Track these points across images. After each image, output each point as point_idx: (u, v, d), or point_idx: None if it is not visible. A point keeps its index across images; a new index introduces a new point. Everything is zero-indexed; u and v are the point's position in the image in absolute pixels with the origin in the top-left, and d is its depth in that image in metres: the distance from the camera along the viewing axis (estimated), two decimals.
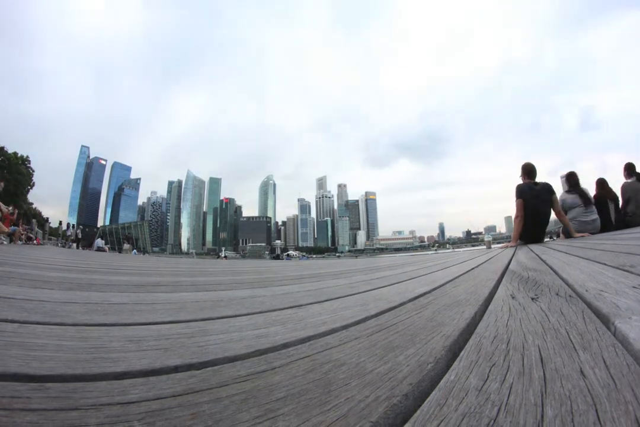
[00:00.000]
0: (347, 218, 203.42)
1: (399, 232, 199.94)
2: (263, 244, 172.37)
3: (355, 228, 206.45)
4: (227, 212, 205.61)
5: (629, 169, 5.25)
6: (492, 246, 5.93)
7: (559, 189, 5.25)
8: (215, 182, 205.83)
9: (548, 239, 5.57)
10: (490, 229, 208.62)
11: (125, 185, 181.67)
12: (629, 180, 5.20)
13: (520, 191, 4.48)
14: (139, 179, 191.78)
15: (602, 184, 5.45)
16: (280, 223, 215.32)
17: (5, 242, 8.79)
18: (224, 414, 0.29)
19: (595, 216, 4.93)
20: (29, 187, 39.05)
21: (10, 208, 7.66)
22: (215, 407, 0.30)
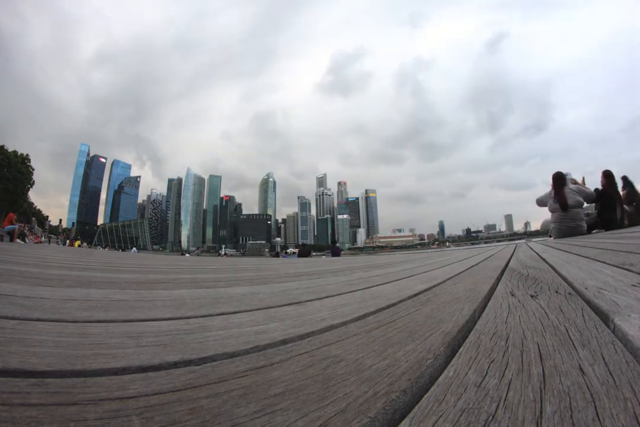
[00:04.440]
0: (347, 216, 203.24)
1: (399, 230, 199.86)
2: (263, 242, 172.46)
3: (355, 226, 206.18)
4: (227, 209, 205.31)
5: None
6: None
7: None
8: (215, 180, 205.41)
9: (549, 238, 5.53)
10: (491, 227, 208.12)
11: (125, 183, 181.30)
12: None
13: None
14: (139, 177, 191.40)
15: (607, 177, 5.03)
16: (280, 221, 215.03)
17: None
18: (222, 409, 0.29)
19: (575, 222, 4.59)
20: (28, 186, 38.94)
21: None
22: (214, 403, 0.30)
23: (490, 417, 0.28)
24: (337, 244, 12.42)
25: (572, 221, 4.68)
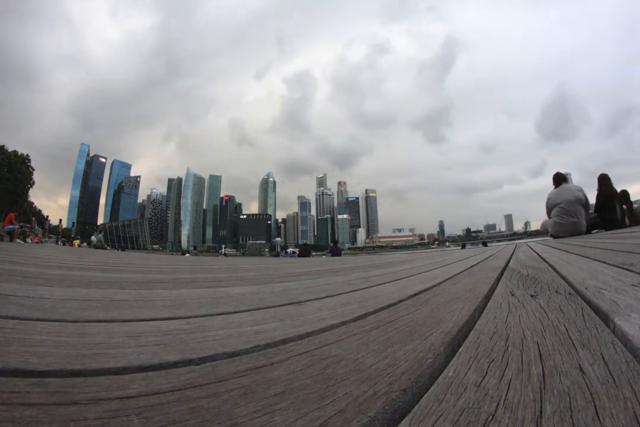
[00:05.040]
0: (347, 216, 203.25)
1: (399, 230, 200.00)
2: (263, 242, 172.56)
3: (355, 226, 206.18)
4: (227, 209, 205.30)
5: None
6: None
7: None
8: (215, 180, 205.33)
9: (549, 238, 5.52)
10: (491, 227, 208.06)
11: (125, 183, 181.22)
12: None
13: None
14: (139, 176, 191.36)
15: (603, 179, 5.11)
16: (280, 220, 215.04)
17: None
18: (222, 409, 0.29)
19: (574, 219, 4.60)
20: (29, 186, 38.90)
21: None
22: (214, 402, 0.30)
23: (490, 416, 0.28)
24: (338, 244, 12.43)
25: (569, 218, 4.69)
